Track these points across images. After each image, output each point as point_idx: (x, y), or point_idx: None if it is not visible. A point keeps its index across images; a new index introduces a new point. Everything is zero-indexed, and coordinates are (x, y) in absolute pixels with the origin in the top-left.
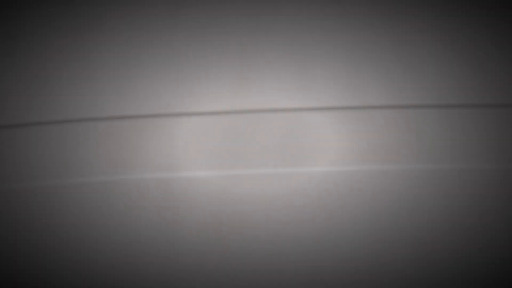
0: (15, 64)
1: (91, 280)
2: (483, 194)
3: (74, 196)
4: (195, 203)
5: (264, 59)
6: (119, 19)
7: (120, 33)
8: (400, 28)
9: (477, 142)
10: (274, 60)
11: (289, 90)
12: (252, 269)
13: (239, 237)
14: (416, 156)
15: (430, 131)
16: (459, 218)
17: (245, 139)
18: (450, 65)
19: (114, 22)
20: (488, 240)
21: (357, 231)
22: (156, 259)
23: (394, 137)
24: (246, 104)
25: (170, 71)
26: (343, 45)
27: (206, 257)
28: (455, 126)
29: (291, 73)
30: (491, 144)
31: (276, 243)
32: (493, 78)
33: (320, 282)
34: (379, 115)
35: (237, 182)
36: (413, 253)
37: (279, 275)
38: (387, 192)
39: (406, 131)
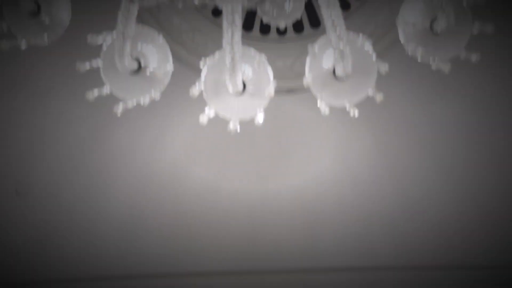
0: (25, 223)
1: None
2: None
3: None
4: None
5: (273, 218)
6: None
7: (124, 196)
8: (408, 193)
9: None
10: (283, 222)
11: (298, 251)
12: None
13: None
14: None
15: None
16: None
17: None
18: (460, 226)
19: (117, 188)
20: None
21: None
22: None
23: None
24: (251, 265)
25: (177, 231)
26: (352, 204)
27: None
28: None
29: (300, 234)
30: None
31: None
32: (506, 240)
33: None
34: (388, 276)
35: None
36: None
37: None
38: None
39: None
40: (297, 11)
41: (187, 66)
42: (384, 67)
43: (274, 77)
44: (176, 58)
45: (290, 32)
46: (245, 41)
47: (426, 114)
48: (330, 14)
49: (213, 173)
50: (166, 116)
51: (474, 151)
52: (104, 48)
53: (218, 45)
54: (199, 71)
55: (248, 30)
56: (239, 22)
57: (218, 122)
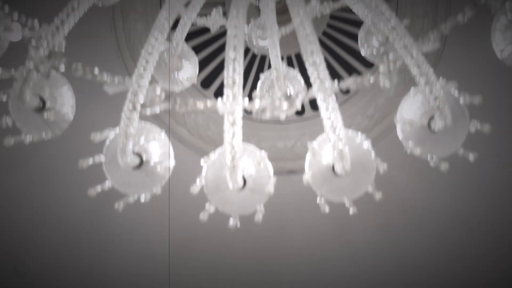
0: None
1: None
2: None
3: None
4: None
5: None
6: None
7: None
8: (409, 272)
9: None
10: None
11: None
12: None
13: None
14: None
15: None
16: None
17: None
18: None
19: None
20: None
21: None
22: None
23: None
24: None
25: None
26: (352, 282)
27: None
28: None
29: None
30: None
31: None
32: None
33: None
34: None
35: None
36: None
37: None
38: None
39: None
40: (298, 104)
41: (188, 147)
42: (382, 166)
43: (275, 158)
44: (178, 139)
45: (291, 115)
46: (246, 122)
47: (427, 196)
48: (329, 116)
49: (208, 263)
50: (166, 197)
51: (474, 233)
52: (107, 143)
53: (220, 126)
54: (200, 152)
55: (249, 112)
56: (239, 122)
57: (218, 217)
